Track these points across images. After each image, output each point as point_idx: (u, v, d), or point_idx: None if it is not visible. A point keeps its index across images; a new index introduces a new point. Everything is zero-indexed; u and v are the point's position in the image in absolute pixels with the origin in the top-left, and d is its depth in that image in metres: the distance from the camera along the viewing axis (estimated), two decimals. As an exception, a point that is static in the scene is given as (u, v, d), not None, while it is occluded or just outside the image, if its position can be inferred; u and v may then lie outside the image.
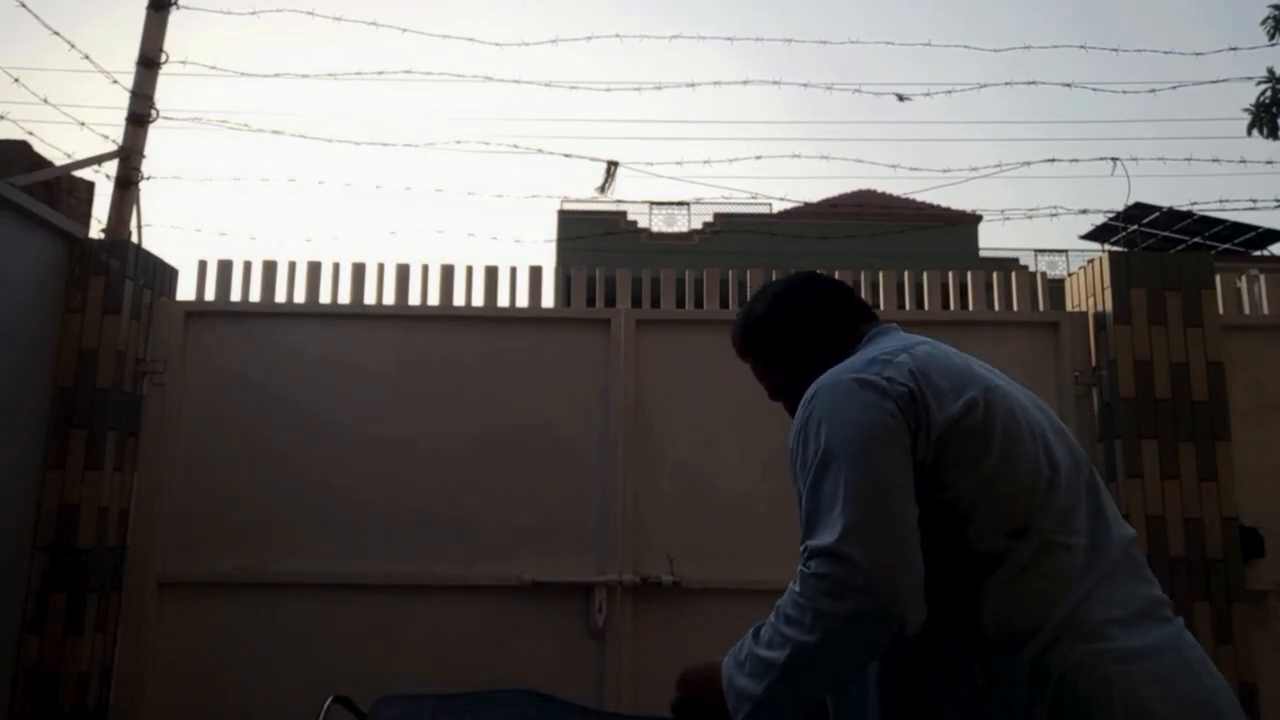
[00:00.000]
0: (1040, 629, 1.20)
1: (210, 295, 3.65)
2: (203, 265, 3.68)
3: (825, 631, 1.17)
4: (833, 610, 1.16)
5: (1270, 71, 7.34)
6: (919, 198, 10.34)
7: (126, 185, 3.71)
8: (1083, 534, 1.26)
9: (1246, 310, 3.59)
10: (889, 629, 1.16)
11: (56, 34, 3.69)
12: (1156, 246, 16.28)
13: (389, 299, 3.66)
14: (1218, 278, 3.50)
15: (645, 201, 15.36)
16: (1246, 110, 7.56)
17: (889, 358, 1.34)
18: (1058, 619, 1.20)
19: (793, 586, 1.23)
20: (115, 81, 3.82)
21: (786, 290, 1.63)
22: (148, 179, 3.80)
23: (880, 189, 13.72)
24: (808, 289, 1.62)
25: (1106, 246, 16.56)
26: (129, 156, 3.74)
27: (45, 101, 3.81)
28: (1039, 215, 4.80)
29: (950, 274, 3.76)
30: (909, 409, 1.26)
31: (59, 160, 3.49)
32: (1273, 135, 7.55)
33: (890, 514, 1.19)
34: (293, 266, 3.68)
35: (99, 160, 3.67)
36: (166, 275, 3.69)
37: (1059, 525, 1.25)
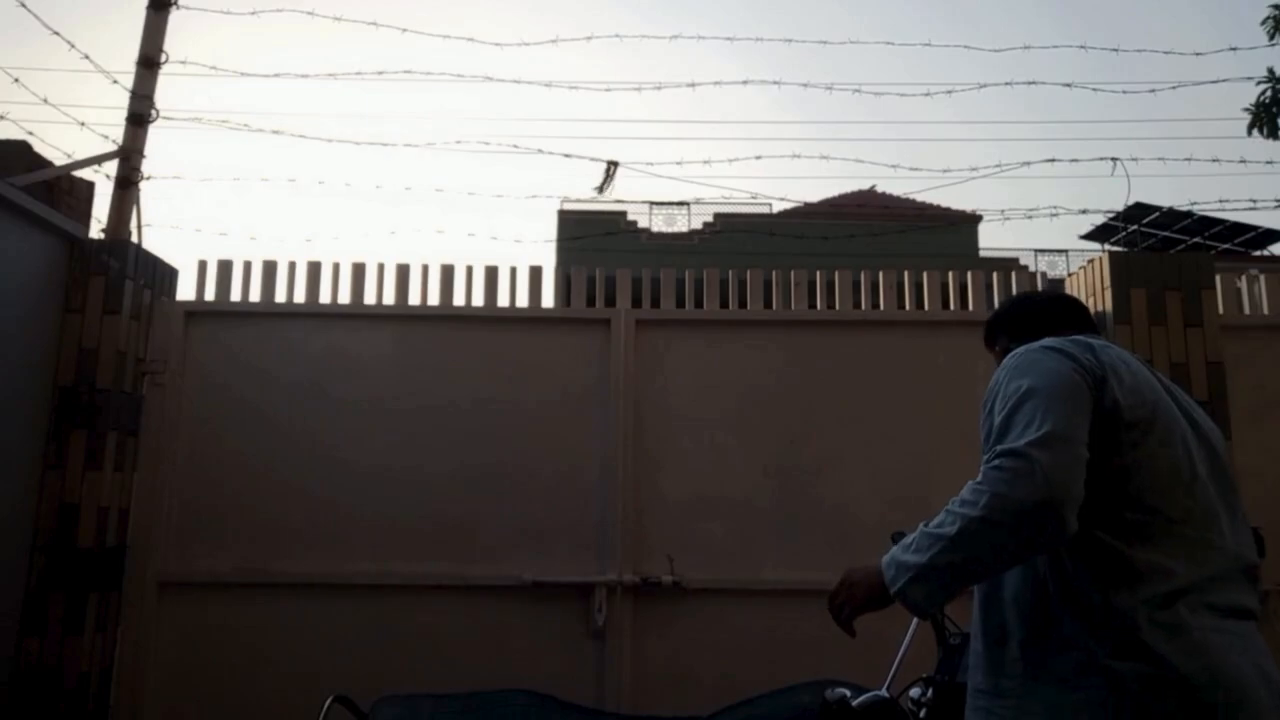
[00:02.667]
0: (1154, 585, 1.41)
1: (210, 295, 3.65)
2: (203, 265, 3.69)
3: (994, 509, 1.36)
4: (1007, 494, 1.36)
5: (1270, 71, 7.31)
6: (919, 198, 10.37)
7: (126, 185, 3.71)
8: (1209, 534, 1.47)
9: (1246, 310, 3.59)
10: (1050, 522, 1.35)
11: (57, 34, 3.70)
12: (1156, 246, 16.28)
13: (389, 299, 3.67)
14: (1218, 278, 3.50)
15: (645, 201, 15.35)
16: (1246, 110, 7.53)
17: (1091, 344, 1.58)
18: (1168, 588, 1.41)
19: (974, 481, 1.42)
20: (115, 81, 3.83)
21: (1032, 295, 1.95)
22: (148, 179, 3.81)
23: (880, 189, 13.74)
24: (1049, 297, 1.89)
25: (1106, 246, 16.56)
26: (129, 156, 3.74)
27: (45, 101, 3.82)
28: (1039, 215, 4.81)
29: (950, 274, 3.76)
30: (1097, 385, 1.49)
31: (59, 160, 3.50)
32: (1273, 135, 7.52)
33: (1073, 441, 1.41)
34: (293, 266, 3.69)
35: (99, 160, 3.68)
36: (166, 275, 3.69)
37: (1188, 520, 1.46)
